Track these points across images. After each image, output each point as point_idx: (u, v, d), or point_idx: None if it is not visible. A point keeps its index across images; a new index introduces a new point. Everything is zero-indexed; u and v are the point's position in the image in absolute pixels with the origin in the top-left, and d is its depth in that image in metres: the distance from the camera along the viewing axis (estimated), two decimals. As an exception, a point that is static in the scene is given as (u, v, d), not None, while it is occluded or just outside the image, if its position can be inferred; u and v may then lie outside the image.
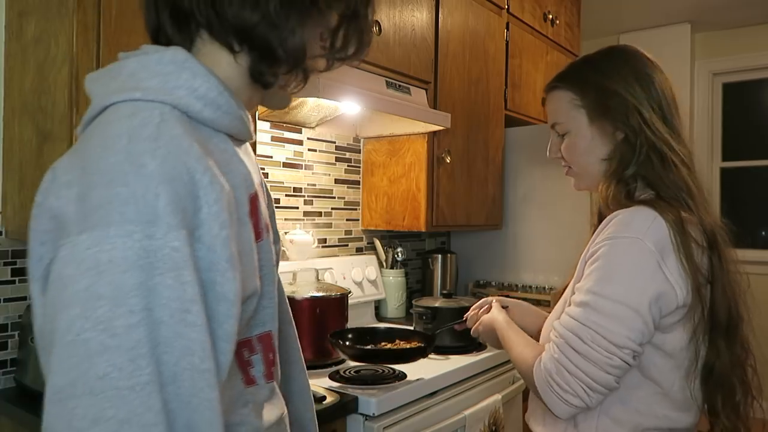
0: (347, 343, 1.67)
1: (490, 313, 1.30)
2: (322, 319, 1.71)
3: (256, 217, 0.71)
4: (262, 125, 1.96)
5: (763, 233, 4.06)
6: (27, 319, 1.40)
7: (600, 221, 1.07)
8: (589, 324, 0.95)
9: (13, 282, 1.45)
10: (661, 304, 0.94)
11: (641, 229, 0.96)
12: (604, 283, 0.96)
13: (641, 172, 1.04)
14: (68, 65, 1.23)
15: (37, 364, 1.34)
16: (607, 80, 1.08)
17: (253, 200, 0.70)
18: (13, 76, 1.41)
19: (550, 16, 2.93)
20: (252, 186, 0.71)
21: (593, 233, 1.07)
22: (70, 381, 0.53)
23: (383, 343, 1.71)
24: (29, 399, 1.35)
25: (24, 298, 1.46)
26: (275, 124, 2.03)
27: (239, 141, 0.74)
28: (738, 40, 4.03)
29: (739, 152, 4.14)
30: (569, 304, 1.03)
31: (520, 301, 1.39)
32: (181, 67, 0.65)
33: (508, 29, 2.61)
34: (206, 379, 0.57)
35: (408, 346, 1.67)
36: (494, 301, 1.35)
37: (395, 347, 1.68)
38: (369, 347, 1.66)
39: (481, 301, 1.41)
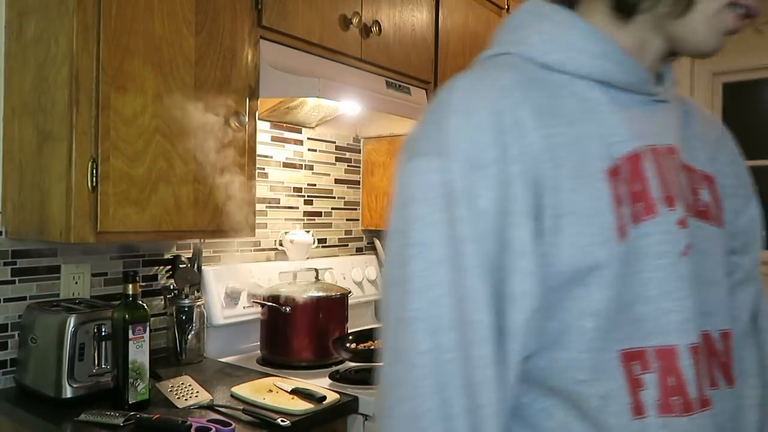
0: (348, 345, 1.67)
1: None
2: (323, 319, 1.72)
3: (642, 182, 0.57)
4: (262, 125, 1.96)
5: (763, 233, 4.05)
6: (27, 319, 1.40)
7: None
8: None
9: (13, 282, 1.45)
10: None
11: None
12: None
13: None
14: (68, 65, 1.23)
15: (37, 364, 1.34)
16: None
17: (632, 160, 0.58)
18: (13, 76, 1.41)
19: (550, 16, 2.92)
20: (625, 146, 0.58)
21: None
22: (383, 306, 0.57)
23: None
24: (29, 399, 1.35)
25: (24, 298, 1.46)
26: (275, 124, 2.03)
27: (631, 93, 0.62)
28: (738, 40, 4.02)
29: (739, 152, 4.14)
30: None
31: None
32: (532, 14, 0.63)
33: (508, 29, 2.61)
34: (476, 331, 0.51)
35: None
36: None
37: None
38: (368, 346, 1.67)
39: None
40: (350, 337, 1.72)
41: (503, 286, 0.53)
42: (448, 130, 0.54)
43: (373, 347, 1.68)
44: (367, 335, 1.76)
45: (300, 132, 2.15)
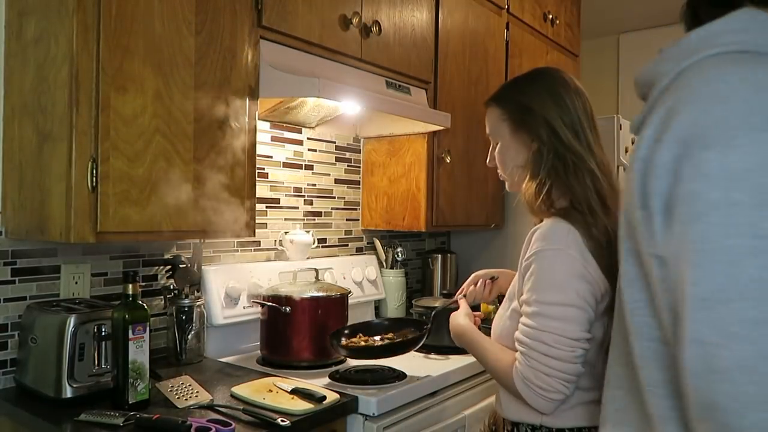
0: (343, 341, 1.63)
1: (457, 319, 1.38)
2: (323, 319, 1.71)
3: None
4: (262, 125, 1.96)
5: None
6: (27, 319, 1.40)
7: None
8: (547, 329, 1.09)
9: (13, 282, 1.45)
10: (594, 295, 1.10)
11: (562, 240, 1.12)
12: (546, 292, 1.11)
13: (551, 177, 1.18)
14: (68, 65, 1.23)
15: (37, 364, 1.34)
16: (525, 98, 1.24)
17: None
18: (13, 76, 1.41)
19: (550, 16, 2.92)
20: None
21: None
22: (717, 287, 0.57)
23: (373, 338, 1.67)
24: (29, 399, 1.35)
25: (24, 298, 1.46)
26: (275, 124, 2.03)
27: None
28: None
29: (739, 152, 4.13)
30: (514, 316, 1.17)
31: (503, 270, 1.52)
32: (749, 21, 0.71)
33: (508, 29, 2.61)
34: None
35: (402, 338, 1.63)
36: (460, 299, 1.45)
37: (390, 341, 1.64)
38: (363, 344, 1.63)
39: (471, 277, 1.51)
40: (346, 332, 1.67)
41: None
42: (744, 108, 0.61)
43: (371, 343, 1.64)
44: (362, 328, 1.71)
45: (300, 132, 2.15)
